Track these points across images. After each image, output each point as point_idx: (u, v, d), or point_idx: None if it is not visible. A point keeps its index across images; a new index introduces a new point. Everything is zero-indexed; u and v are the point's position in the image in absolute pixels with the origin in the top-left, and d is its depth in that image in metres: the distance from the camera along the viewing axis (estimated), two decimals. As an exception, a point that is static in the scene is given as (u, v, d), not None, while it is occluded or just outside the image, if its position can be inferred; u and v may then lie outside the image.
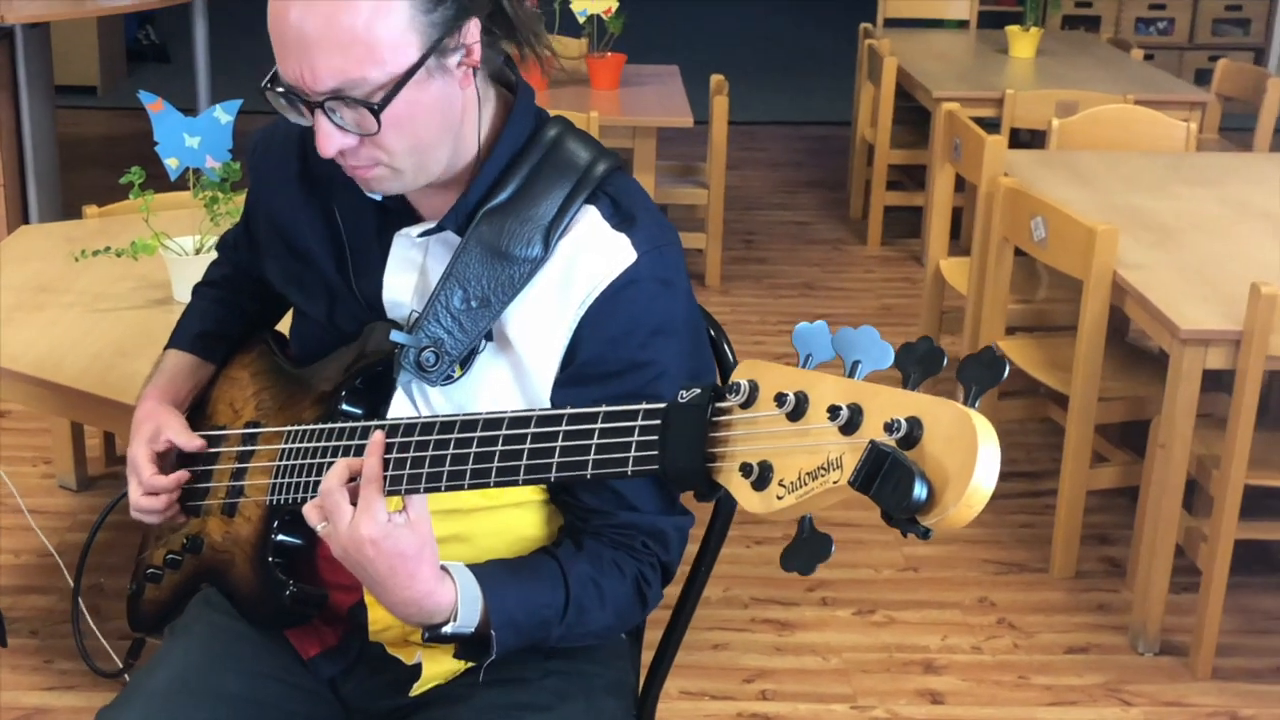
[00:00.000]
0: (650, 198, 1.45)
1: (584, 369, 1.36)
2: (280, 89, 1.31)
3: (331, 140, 1.29)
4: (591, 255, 1.36)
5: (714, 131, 4.33)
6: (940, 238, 3.77)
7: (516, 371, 1.38)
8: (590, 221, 1.37)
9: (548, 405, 1.37)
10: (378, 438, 1.27)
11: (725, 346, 1.72)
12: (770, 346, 4.06)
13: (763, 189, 5.72)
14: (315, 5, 1.25)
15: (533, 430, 1.19)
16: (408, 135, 1.30)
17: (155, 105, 2.61)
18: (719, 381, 1.12)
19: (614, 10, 4.29)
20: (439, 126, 1.33)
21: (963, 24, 5.84)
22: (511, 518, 1.45)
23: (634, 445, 1.11)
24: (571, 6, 4.26)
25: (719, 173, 4.38)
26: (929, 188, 4.42)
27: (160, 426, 1.57)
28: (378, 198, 1.43)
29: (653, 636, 1.69)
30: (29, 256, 2.69)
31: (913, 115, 5.09)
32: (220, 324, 1.69)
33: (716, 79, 4.51)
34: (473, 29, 1.31)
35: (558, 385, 1.37)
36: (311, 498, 1.33)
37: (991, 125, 3.84)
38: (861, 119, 5.20)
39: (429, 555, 1.28)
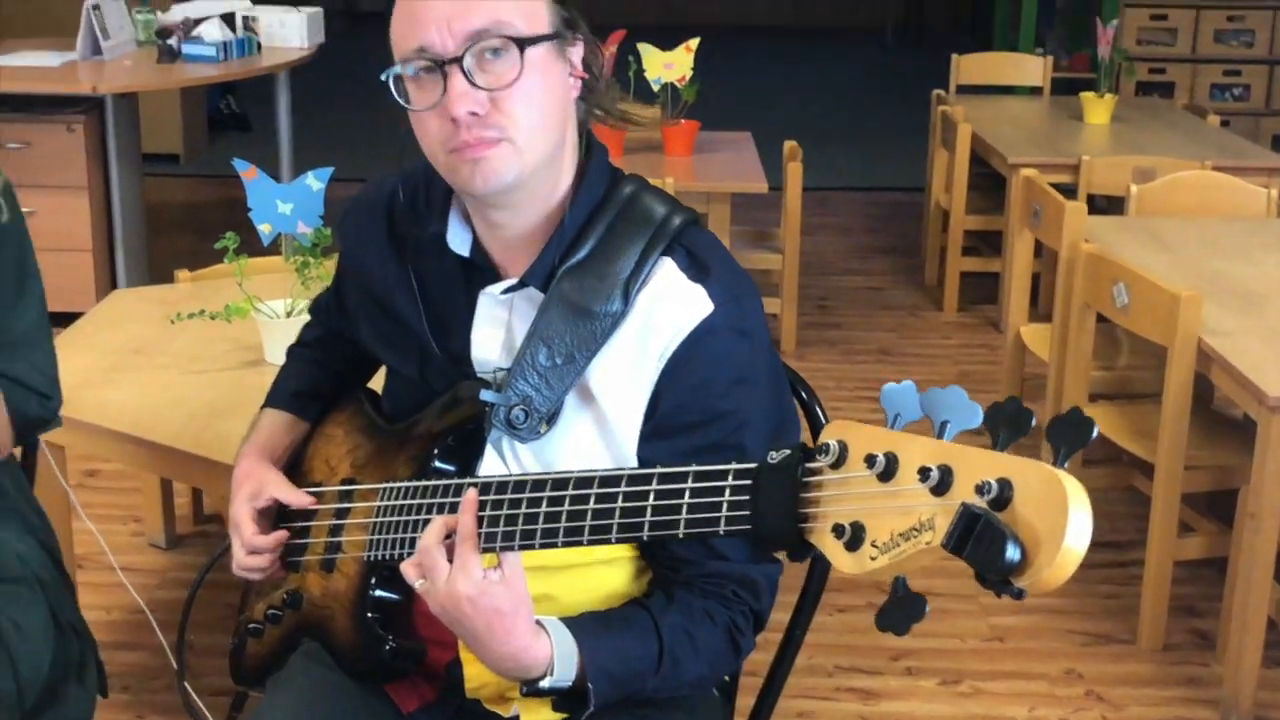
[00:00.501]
0: (727, 250, 1.47)
1: (666, 420, 1.38)
2: (402, 69, 1.35)
3: (466, 97, 1.31)
4: (669, 306, 1.38)
5: (788, 197, 4.36)
6: (1020, 304, 3.76)
7: (601, 426, 1.40)
8: (667, 273, 1.39)
9: (634, 459, 1.39)
10: (471, 495, 1.29)
11: (817, 408, 1.74)
12: (847, 412, 4.04)
13: (837, 254, 5.74)
14: None
15: (624, 489, 1.21)
16: (535, 105, 1.34)
17: (249, 173, 2.68)
18: (806, 437, 1.15)
19: (688, 79, 4.35)
20: (557, 114, 1.37)
21: (1036, 90, 5.84)
22: (601, 575, 1.46)
23: (725, 505, 1.13)
24: (646, 74, 4.32)
25: (793, 238, 4.40)
26: (1006, 254, 4.41)
27: (262, 484, 1.60)
28: (465, 252, 1.46)
29: (744, 703, 1.69)
30: (125, 319, 2.76)
31: (986, 181, 5.09)
32: (314, 383, 1.73)
33: (790, 145, 4.55)
34: (579, 51, 1.38)
35: (643, 438, 1.39)
36: (407, 554, 1.35)
37: (1067, 191, 3.83)
38: (935, 185, 5.21)
39: (524, 611, 1.29)
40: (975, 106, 5.22)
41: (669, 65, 4.34)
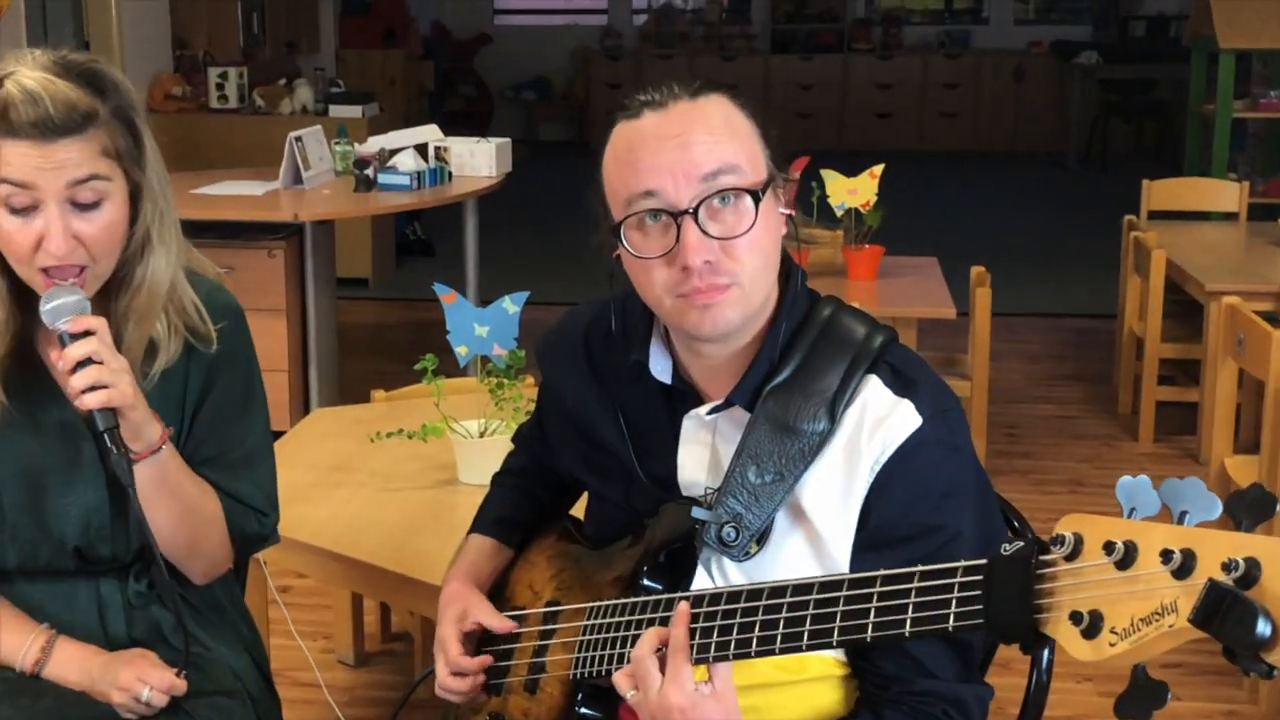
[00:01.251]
0: (929, 365, 1.46)
1: (877, 535, 1.38)
2: (636, 214, 1.38)
3: (701, 247, 1.35)
4: (877, 422, 1.38)
5: (976, 323, 4.29)
6: (1224, 435, 3.60)
7: (813, 542, 1.40)
8: (873, 390, 1.40)
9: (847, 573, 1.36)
10: (683, 608, 1.31)
11: (1015, 522, 1.72)
12: (1038, 543, 3.90)
13: (1025, 382, 5.62)
14: (689, 115, 1.38)
15: (845, 593, 1.21)
16: (760, 250, 1.38)
17: (448, 297, 2.74)
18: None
19: (872, 204, 4.33)
20: (776, 254, 1.41)
21: (1231, 216, 5.68)
22: (809, 692, 1.45)
23: (955, 601, 1.13)
24: (829, 200, 4.33)
25: (982, 364, 4.31)
26: (1206, 383, 4.24)
27: (467, 608, 1.63)
28: (666, 380, 1.47)
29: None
30: (324, 437, 2.83)
31: (1180, 308, 4.94)
32: (517, 510, 1.76)
33: (977, 270, 4.48)
34: (783, 190, 1.42)
35: (855, 552, 1.38)
36: (612, 670, 1.37)
37: (1269, 319, 3.68)
38: (1129, 312, 5.07)
39: None
40: (1168, 232, 5.10)
41: (853, 191, 4.34)
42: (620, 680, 1.33)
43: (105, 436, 1.54)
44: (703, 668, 1.29)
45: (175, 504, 1.65)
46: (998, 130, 12.40)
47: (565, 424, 1.63)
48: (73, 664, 1.68)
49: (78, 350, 1.53)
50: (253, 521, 1.78)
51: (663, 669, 1.29)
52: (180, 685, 1.67)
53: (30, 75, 1.53)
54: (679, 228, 1.35)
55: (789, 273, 1.47)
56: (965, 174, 11.15)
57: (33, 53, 1.58)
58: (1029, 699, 1.63)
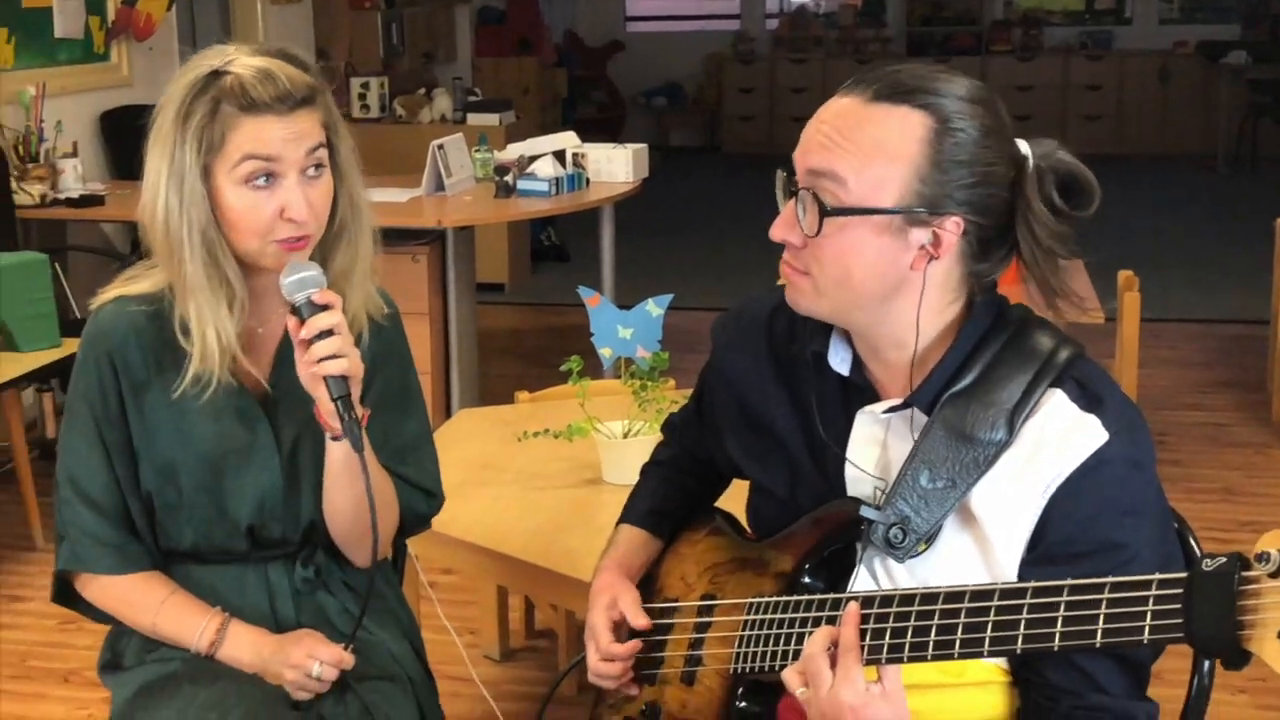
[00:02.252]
0: (1115, 382, 1.43)
1: (1053, 549, 1.36)
2: (789, 172, 1.42)
3: (781, 227, 1.40)
4: (1060, 436, 1.36)
5: (1124, 328, 4.19)
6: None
7: (983, 549, 1.39)
8: (1057, 404, 1.38)
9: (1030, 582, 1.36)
10: (853, 608, 1.32)
11: (1190, 539, 1.67)
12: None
13: (1174, 388, 5.48)
14: (856, 108, 1.37)
15: (1029, 601, 1.21)
16: (839, 265, 1.37)
17: (593, 300, 2.78)
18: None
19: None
20: (869, 280, 1.38)
21: (1390, 217, 5.45)
22: (969, 696, 1.44)
23: (1150, 614, 1.12)
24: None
25: (1130, 370, 4.21)
26: (1366, 388, 4.09)
27: (616, 598, 1.64)
28: (845, 371, 1.46)
29: None
30: (471, 436, 2.88)
31: (1339, 314, 4.77)
32: (667, 502, 1.77)
33: (1125, 275, 4.38)
34: (952, 224, 1.35)
35: (1024, 564, 1.37)
36: (776, 667, 1.38)
37: None
38: (1282, 317, 4.91)
39: None
40: (1324, 235, 4.92)
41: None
42: (790, 677, 1.34)
43: (339, 404, 1.61)
44: (871, 669, 1.30)
45: (362, 484, 1.68)
46: (1143, 133, 12.10)
47: (732, 409, 1.62)
48: (246, 646, 1.75)
49: (324, 320, 1.60)
50: (421, 501, 1.85)
51: (832, 667, 1.30)
52: (349, 660, 1.73)
53: (250, 61, 1.63)
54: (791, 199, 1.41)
55: (984, 287, 1.45)
56: (1109, 178, 10.71)
57: (223, 48, 1.67)
58: (1188, 708, 1.61)
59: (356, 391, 1.64)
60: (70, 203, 4.80)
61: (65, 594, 1.83)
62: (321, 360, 1.59)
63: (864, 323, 1.42)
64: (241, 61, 1.62)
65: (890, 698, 1.29)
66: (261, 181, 1.61)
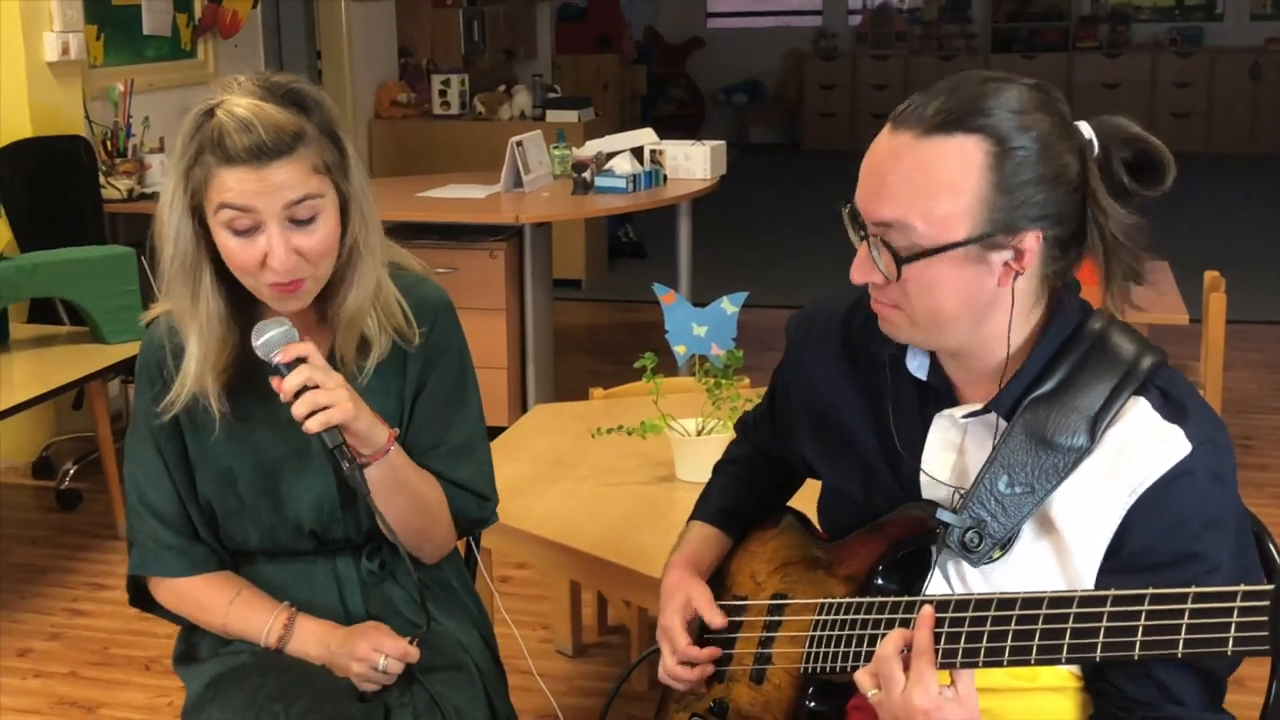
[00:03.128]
0: (1199, 392, 1.40)
1: (1133, 558, 1.34)
2: (849, 207, 1.40)
3: (861, 269, 1.38)
4: (1143, 446, 1.35)
5: (1209, 330, 4.11)
6: None
7: (1060, 556, 1.37)
8: (1140, 413, 1.36)
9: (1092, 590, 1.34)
10: (927, 611, 1.31)
11: (1270, 545, 1.65)
12: None
13: (1261, 391, 5.36)
14: (909, 148, 1.33)
15: (1109, 609, 1.21)
16: (927, 300, 1.35)
17: (668, 297, 2.77)
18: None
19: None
20: (958, 307, 1.36)
21: None
22: (1045, 701, 1.42)
23: (1234, 626, 1.12)
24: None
25: (1215, 373, 4.13)
26: None
27: (690, 597, 1.64)
28: (923, 376, 1.45)
29: None
30: (545, 432, 2.89)
31: None
32: (739, 501, 1.77)
33: (1211, 275, 4.30)
34: (1032, 239, 1.33)
35: (1103, 573, 1.35)
36: (847, 668, 1.39)
37: None
38: (1374, 318, 4.79)
39: None
40: None
41: (1079, 192, 4.21)
42: (863, 679, 1.34)
43: (335, 454, 1.63)
44: (946, 672, 1.30)
45: (404, 499, 1.72)
46: (1233, 130, 11.86)
47: (805, 409, 1.62)
48: (312, 639, 1.77)
49: (294, 381, 1.61)
50: (473, 506, 1.85)
51: (905, 670, 1.30)
52: (414, 653, 1.74)
53: (239, 102, 1.61)
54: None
55: (1064, 282, 1.43)
56: (1198, 176, 10.65)
57: (238, 79, 1.66)
58: (1265, 716, 1.58)
59: (363, 422, 1.65)
60: (156, 197, 4.88)
61: (141, 598, 1.88)
62: (305, 418, 1.61)
63: (961, 345, 1.41)
64: (230, 103, 1.61)
65: (963, 701, 1.28)
66: (241, 229, 1.61)
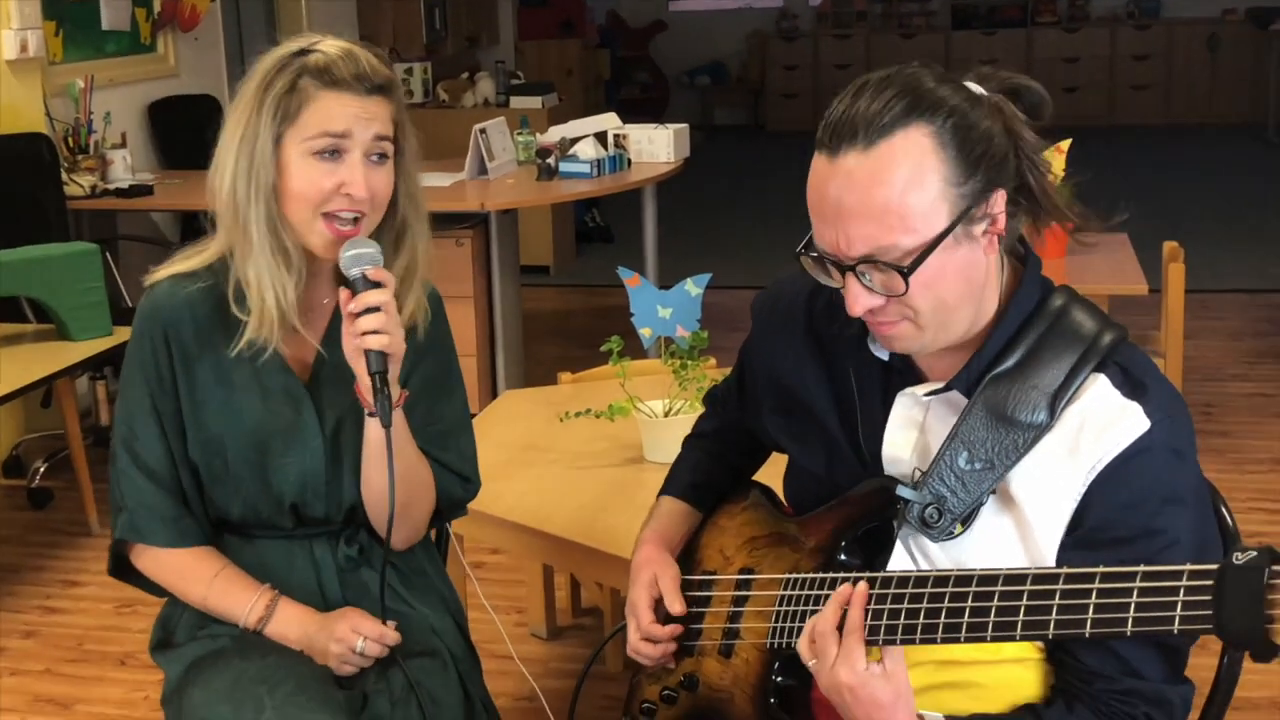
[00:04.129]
0: (1158, 368, 1.43)
1: (1093, 534, 1.36)
2: (814, 254, 1.40)
3: (860, 301, 1.37)
4: (1102, 422, 1.36)
5: (1169, 299, 4.15)
6: None
7: (1021, 532, 1.39)
8: (1099, 390, 1.38)
9: (1052, 566, 1.36)
10: (861, 588, 1.35)
11: (1225, 512, 1.67)
12: (1241, 524, 3.77)
13: (1222, 359, 5.43)
14: (853, 179, 1.33)
15: (1061, 587, 1.22)
16: (933, 296, 1.36)
17: (632, 280, 2.79)
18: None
19: (1060, 179, 4.23)
20: (963, 290, 1.37)
21: None
22: (1011, 673, 1.44)
23: (1180, 605, 1.13)
24: (1015, 177, 4.23)
25: (1176, 342, 4.18)
26: None
27: (657, 576, 1.66)
28: (884, 356, 1.47)
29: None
30: (515, 417, 2.91)
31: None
32: (709, 475, 1.79)
33: (1170, 246, 4.35)
34: (999, 200, 1.36)
35: (1063, 548, 1.37)
36: None
37: None
38: (1332, 286, 4.86)
39: (904, 705, 1.34)
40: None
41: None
42: (803, 648, 1.38)
43: (376, 378, 1.67)
44: (878, 649, 1.33)
45: (401, 462, 1.73)
46: (1191, 102, 11.95)
47: (771, 386, 1.63)
48: (293, 622, 1.79)
49: (374, 296, 1.67)
50: (458, 487, 1.89)
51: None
52: (393, 635, 1.77)
53: (335, 43, 1.72)
54: (844, 275, 1.37)
55: (1025, 259, 1.45)
56: (1157, 148, 10.78)
57: (311, 35, 1.74)
58: (1218, 684, 1.62)
59: (395, 370, 1.69)
60: (120, 193, 4.87)
61: (120, 567, 1.88)
62: (365, 334, 1.65)
63: (963, 329, 1.41)
64: (327, 43, 1.72)
65: (890, 676, 1.32)
66: (328, 155, 1.68)
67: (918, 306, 1.36)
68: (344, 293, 1.69)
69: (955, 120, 1.34)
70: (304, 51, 1.70)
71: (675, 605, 1.63)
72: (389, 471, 1.68)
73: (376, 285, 1.68)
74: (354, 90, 1.68)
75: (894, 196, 1.32)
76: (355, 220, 1.70)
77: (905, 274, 1.33)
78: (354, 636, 1.75)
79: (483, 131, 5.13)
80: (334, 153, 1.68)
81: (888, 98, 1.33)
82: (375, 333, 1.65)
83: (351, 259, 1.68)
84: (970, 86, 1.40)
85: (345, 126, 1.67)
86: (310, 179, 1.68)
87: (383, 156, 1.71)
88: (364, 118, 1.68)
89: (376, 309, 1.66)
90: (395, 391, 1.69)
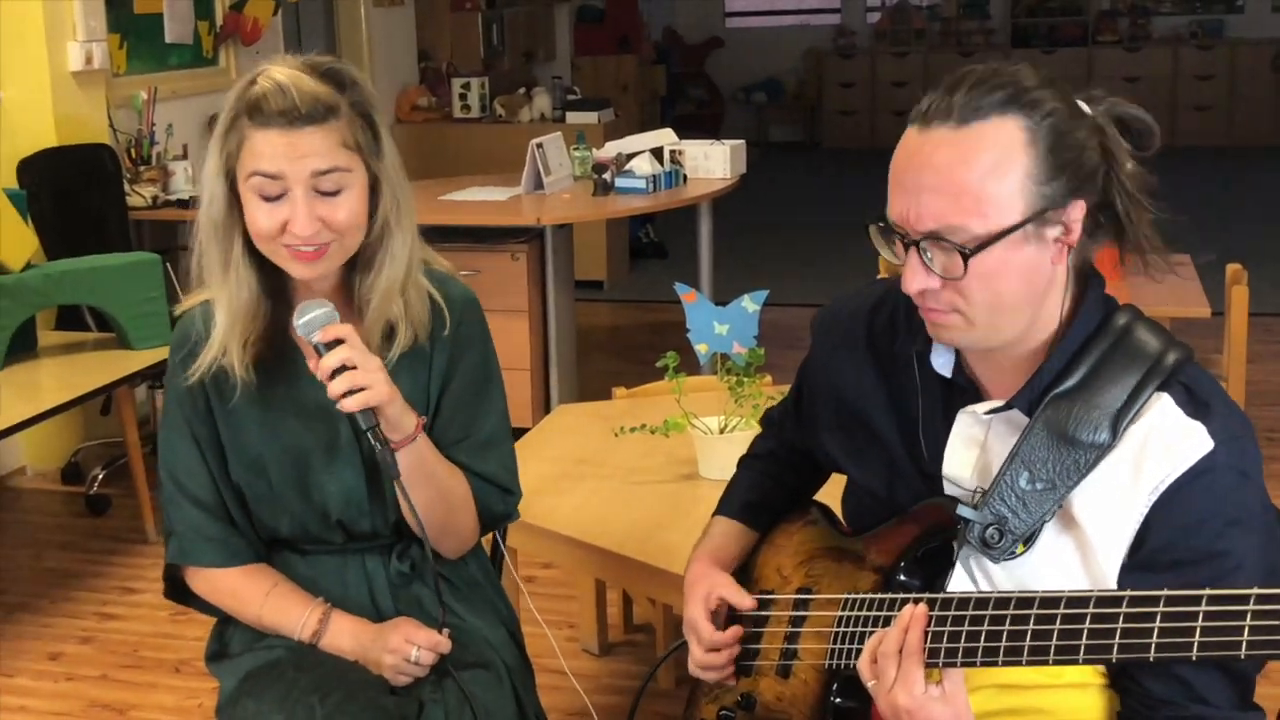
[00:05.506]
0: (1224, 389, 1.40)
1: (1155, 555, 1.34)
2: (881, 223, 1.38)
3: (916, 278, 1.36)
4: (1165, 442, 1.34)
5: (1232, 323, 4.09)
6: None
7: (1082, 552, 1.37)
8: (1163, 409, 1.36)
9: (1114, 588, 1.34)
10: (920, 610, 1.33)
11: None
12: (1301, 553, 3.71)
13: (1285, 383, 5.34)
14: (938, 154, 1.32)
15: (1125, 610, 1.19)
16: (990, 290, 1.34)
17: (689, 296, 2.78)
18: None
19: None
20: (1021, 292, 1.35)
21: None
22: (1073, 699, 1.42)
23: (1248, 629, 1.10)
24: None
25: (1239, 366, 4.11)
26: None
27: (713, 587, 1.65)
28: (946, 373, 1.46)
29: None
30: (569, 432, 2.91)
31: None
32: (765, 495, 1.77)
33: (1233, 268, 4.28)
34: (1077, 209, 1.34)
35: (1125, 570, 1.35)
36: None
37: None
38: (1400, 309, 4.76)
39: None
40: None
41: (1100, 186, 4.19)
42: (863, 667, 1.37)
43: (369, 435, 1.65)
44: (938, 670, 1.31)
45: (429, 488, 1.74)
46: (1254, 123, 11.79)
47: (831, 404, 1.62)
48: (346, 635, 1.79)
49: (332, 360, 1.65)
50: (497, 499, 1.87)
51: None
52: (445, 643, 1.76)
53: (280, 71, 1.66)
54: (907, 251, 1.36)
55: (1087, 278, 1.43)
56: (1220, 169, 10.65)
57: (285, 57, 1.71)
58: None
59: (394, 409, 1.68)
60: (180, 204, 4.92)
61: (176, 590, 1.90)
62: (341, 397, 1.64)
63: (1016, 337, 1.39)
64: (271, 72, 1.67)
65: (949, 699, 1.30)
66: (270, 195, 1.65)
67: (972, 298, 1.34)
68: (312, 358, 1.68)
69: (1052, 122, 1.33)
70: (251, 82, 1.67)
71: (744, 601, 1.62)
72: (412, 511, 1.69)
73: (338, 342, 1.65)
74: (281, 126, 1.62)
75: (974, 179, 1.31)
76: (325, 246, 1.67)
77: (967, 256, 1.32)
78: (408, 646, 1.75)
79: (539, 146, 5.14)
80: (278, 194, 1.64)
81: (990, 86, 1.33)
82: (350, 393, 1.64)
83: (303, 326, 1.66)
84: (1076, 101, 1.38)
85: (276, 168, 1.63)
86: (256, 219, 1.66)
87: (335, 190, 1.66)
88: (294, 156, 1.62)
89: (343, 369, 1.64)
90: (411, 421, 1.69)
